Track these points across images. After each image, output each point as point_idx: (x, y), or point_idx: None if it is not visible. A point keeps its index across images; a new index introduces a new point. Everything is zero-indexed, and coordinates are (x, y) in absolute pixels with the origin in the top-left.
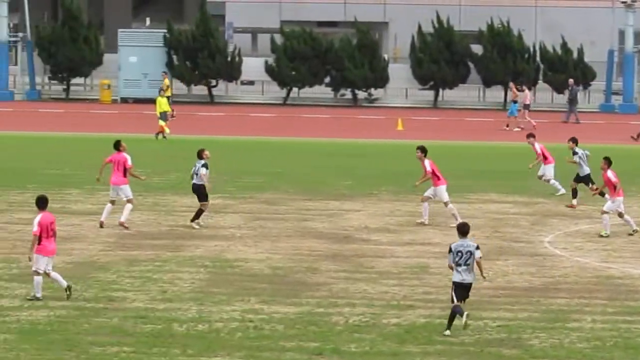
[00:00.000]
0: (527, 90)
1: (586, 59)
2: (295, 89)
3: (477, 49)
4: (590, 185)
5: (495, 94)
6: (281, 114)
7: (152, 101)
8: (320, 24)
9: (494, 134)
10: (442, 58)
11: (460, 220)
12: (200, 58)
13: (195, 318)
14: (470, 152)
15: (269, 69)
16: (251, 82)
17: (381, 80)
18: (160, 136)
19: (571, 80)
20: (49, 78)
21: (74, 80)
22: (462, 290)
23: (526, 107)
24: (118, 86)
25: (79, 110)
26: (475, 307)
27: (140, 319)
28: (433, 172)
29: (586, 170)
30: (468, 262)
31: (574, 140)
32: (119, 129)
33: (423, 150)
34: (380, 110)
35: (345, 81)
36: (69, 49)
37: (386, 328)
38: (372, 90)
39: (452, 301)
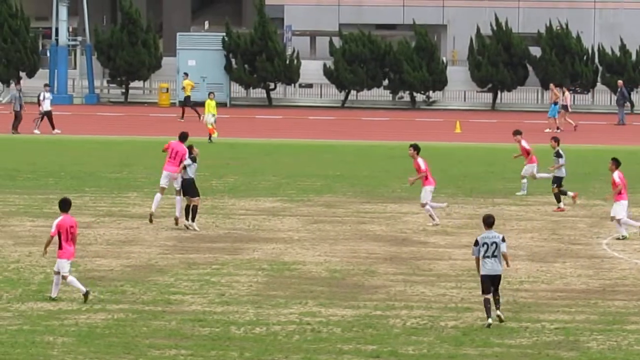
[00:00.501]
0: (567, 92)
1: None
2: (353, 92)
3: (535, 51)
4: (555, 186)
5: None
6: (339, 117)
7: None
8: (379, 26)
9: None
10: (501, 60)
11: (437, 221)
12: (259, 61)
13: (252, 321)
14: None
15: (327, 72)
16: (309, 85)
17: (439, 82)
18: (215, 138)
19: (620, 82)
20: (108, 82)
21: (133, 84)
22: (491, 281)
23: (564, 108)
24: (176, 89)
25: (138, 114)
26: (533, 310)
27: (198, 322)
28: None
29: (563, 172)
30: (495, 254)
31: (557, 140)
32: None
33: (416, 148)
34: (439, 112)
35: (403, 84)
36: (127, 53)
37: (444, 330)
38: (431, 93)
39: (483, 292)
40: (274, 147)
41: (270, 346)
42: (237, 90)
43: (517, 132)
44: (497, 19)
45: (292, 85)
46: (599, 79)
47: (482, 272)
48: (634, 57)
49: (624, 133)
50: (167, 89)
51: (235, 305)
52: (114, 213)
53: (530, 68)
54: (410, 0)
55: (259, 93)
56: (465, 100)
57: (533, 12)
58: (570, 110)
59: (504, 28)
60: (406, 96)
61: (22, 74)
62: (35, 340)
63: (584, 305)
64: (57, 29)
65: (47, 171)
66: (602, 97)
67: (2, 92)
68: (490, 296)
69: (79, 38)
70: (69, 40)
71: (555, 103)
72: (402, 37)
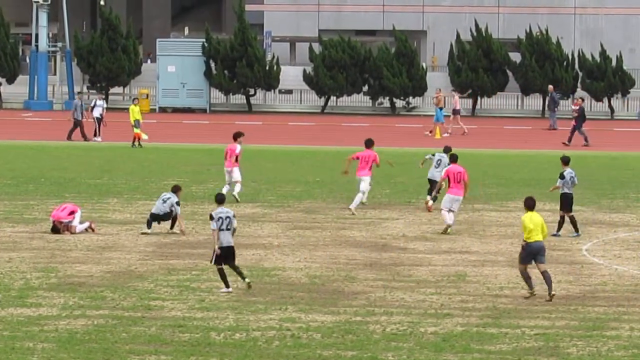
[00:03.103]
0: (456, 96)
1: (625, 67)
2: (333, 98)
3: (515, 56)
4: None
5: (534, 102)
6: (319, 123)
7: (191, 110)
8: (359, 32)
9: (533, 142)
10: (481, 66)
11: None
12: (239, 67)
13: (232, 327)
14: (509, 160)
15: (307, 78)
16: (289, 91)
17: (419, 88)
18: (137, 144)
19: (551, 87)
20: (88, 87)
21: (113, 90)
22: (227, 252)
23: (456, 112)
24: (156, 95)
25: (118, 120)
26: (512, 316)
27: (178, 328)
28: None
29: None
30: (228, 227)
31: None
32: (157, 139)
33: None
34: (418, 118)
35: (383, 90)
36: (107, 59)
37: (423, 336)
38: (410, 99)
39: (216, 263)
40: (253, 153)
41: (250, 352)
42: (217, 96)
43: (236, 134)
44: (477, 25)
45: (272, 91)
46: (579, 84)
47: (220, 245)
48: (614, 62)
49: (557, 137)
50: (147, 95)
51: (215, 311)
52: (94, 219)
53: (510, 74)
54: (390, 6)
55: (238, 99)
56: (445, 106)
57: (513, 18)
58: (461, 114)
59: (484, 34)
60: (386, 102)
61: (2, 80)
62: (15, 346)
63: (564, 311)
64: (37, 35)
65: (27, 177)
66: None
67: None
68: (223, 266)
69: (59, 44)
70: (49, 46)
71: (441, 108)
72: (382, 43)
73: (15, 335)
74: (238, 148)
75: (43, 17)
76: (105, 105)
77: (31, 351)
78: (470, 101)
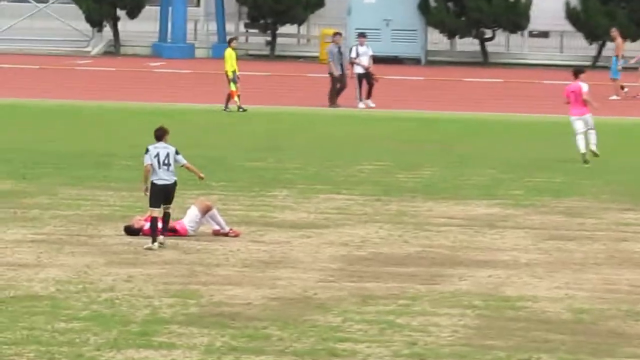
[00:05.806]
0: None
1: None
2: (609, 44)
3: None
4: None
5: None
6: (590, 81)
7: (398, 60)
8: None
9: None
10: None
11: None
12: None
13: None
14: None
15: (571, 14)
16: (545, 34)
17: None
18: (234, 107)
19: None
20: (246, 25)
21: (282, 30)
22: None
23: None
24: (348, 39)
25: (288, 74)
26: None
27: None
28: None
29: None
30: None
31: None
32: (348, 102)
33: None
34: None
35: None
36: None
37: None
38: None
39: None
40: (488, 125)
41: None
42: (437, 39)
43: None
44: None
45: (519, 33)
46: None
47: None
48: None
49: None
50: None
51: (432, 359)
52: (254, 220)
53: None
54: None
55: (468, 45)
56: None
57: None
58: None
59: None
60: None
61: (121, 13)
62: None
63: None
64: None
65: None
66: None
67: (91, 39)
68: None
69: None
70: None
71: (616, 56)
72: None
73: None
74: (585, 87)
75: None
76: (370, 53)
77: None
78: None
